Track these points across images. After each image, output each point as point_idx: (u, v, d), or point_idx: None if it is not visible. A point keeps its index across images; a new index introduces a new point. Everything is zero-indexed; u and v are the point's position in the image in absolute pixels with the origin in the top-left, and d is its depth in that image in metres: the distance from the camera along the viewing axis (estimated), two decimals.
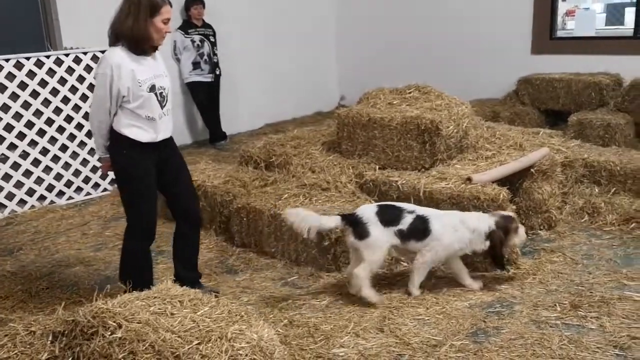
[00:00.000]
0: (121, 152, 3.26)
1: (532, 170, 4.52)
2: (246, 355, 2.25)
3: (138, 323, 2.36)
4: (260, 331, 2.39)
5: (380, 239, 3.51)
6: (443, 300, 3.53)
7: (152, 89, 3.19)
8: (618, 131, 6.39)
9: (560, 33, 8.32)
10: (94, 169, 5.99)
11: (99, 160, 3.71)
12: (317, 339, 3.15)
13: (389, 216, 3.56)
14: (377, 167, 4.72)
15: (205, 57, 7.51)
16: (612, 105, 6.85)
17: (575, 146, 5.24)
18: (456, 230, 3.55)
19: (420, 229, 3.54)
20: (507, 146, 4.79)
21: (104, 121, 3.22)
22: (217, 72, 7.69)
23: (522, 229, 3.66)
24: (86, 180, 5.96)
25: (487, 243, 3.55)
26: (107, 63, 3.12)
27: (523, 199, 4.50)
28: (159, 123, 3.27)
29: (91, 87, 5.86)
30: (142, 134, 3.22)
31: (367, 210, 3.59)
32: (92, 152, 5.94)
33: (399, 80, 5.59)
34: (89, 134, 5.90)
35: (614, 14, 11.89)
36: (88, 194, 5.98)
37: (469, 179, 4.15)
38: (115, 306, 2.48)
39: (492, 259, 3.66)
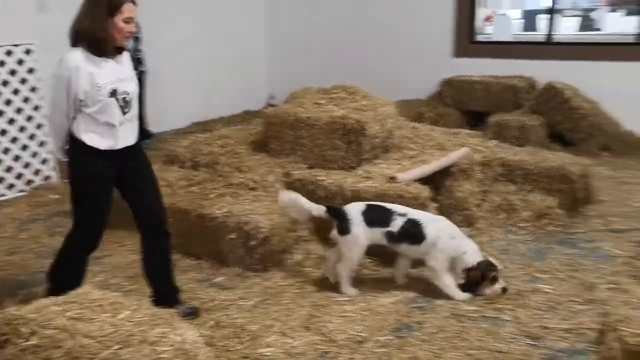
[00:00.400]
0: (78, 157, 3.11)
1: (452, 169, 4.69)
2: (169, 358, 2.21)
3: (54, 329, 2.26)
4: (184, 333, 2.34)
5: (359, 238, 3.58)
6: (369, 297, 3.61)
7: (114, 93, 3.03)
8: (532, 132, 6.75)
9: (480, 37, 8.67)
10: (8, 169, 5.67)
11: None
12: (244, 340, 3.13)
13: (375, 217, 3.61)
14: (305, 166, 4.75)
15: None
16: (526, 108, 7.21)
17: (493, 146, 5.45)
18: (453, 238, 3.62)
19: (412, 233, 3.57)
20: (429, 146, 4.95)
21: (62, 124, 3.07)
22: (142, 69, 7.47)
23: (499, 285, 3.59)
24: None
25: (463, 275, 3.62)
26: (65, 65, 2.95)
27: (445, 197, 4.65)
28: (119, 130, 3.09)
29: (5, 83, 5.56)
30: (100, 140, 3.06)
31: (354, 209, 3.65)
32: (6, 151, 5.63)
33: (326, 81, 5.65)
34: (2, 133, 5.59)
35: (529, 21, 12.56)
36: (2, 195, 5.66)
37: (393, 178, 4.26)
38: (30, 312, 2.36)
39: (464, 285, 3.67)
